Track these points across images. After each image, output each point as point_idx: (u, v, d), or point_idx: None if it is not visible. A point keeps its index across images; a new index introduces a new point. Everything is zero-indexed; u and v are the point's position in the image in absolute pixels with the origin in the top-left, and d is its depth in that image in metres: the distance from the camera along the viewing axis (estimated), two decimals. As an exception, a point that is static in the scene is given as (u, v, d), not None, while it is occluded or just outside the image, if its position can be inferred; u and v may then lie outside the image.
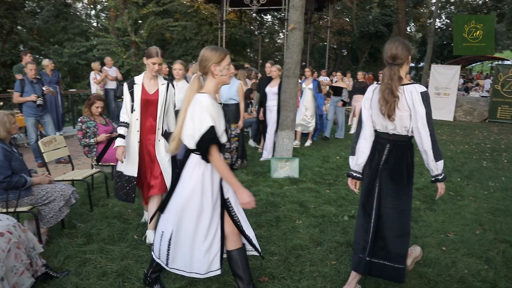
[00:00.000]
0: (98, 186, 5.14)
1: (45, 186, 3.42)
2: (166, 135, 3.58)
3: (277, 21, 26.38)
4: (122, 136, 3.46)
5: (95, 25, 21.62)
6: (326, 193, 5.01)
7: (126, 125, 3.49)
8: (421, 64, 27.26)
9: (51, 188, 3.43)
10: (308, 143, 8.13)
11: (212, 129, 2.24)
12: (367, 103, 2.65)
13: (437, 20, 25.68)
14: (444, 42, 28.99)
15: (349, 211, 4.35)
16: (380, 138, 2.62)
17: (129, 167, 3.51)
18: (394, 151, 2.57)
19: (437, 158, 2.49)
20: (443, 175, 2.55)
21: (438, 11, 24.23)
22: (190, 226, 2.38)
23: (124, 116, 3.52)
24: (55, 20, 18.49)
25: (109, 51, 14.41)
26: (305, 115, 7.87)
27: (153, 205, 3.51)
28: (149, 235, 3.42)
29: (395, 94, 2.44)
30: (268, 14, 25.09)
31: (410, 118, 2.47)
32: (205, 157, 2.32)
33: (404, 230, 2.60)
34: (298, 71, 6.05)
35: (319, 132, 8.60)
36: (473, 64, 30.49)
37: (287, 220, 4.08)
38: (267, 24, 26.28)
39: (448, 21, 30.88)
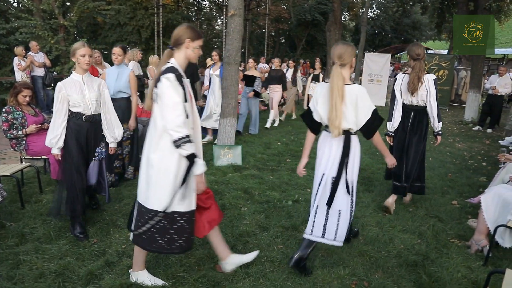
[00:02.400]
0: (29, 181, 4.78)
1: (-32, 184, 3.12)
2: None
3: (215, 7, 26.01)
4: (195, 156, 2.41)
5: (16, 6, 19.82)
6: (270, 179, 5.10)
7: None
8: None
9: (-25, 185, 3.13)
10: (207, 138, 7.10)
11: (377, 112, 2.81)
12: (398, 87, 4.01)
13: (369, 10, 26.86)
14: (376, 31, 30.51)
15: (292, 196, 4.47)
16: (407, 109, 4.01)
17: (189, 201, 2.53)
18: (417, 117, 3.99)
19: (439, 120, 3.95)
20: (441, 131, 4.06)
21: (370, 1, 25.33)
22: (349, 201, 2.85)
23: (185, 128, 2.36)
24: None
25: (34, 35, 13.30)
26: (212, 106, 7.03)
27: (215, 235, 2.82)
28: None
29: (421, 80, 3.81)
30: (206, 0, 24.65)
31: (426, 95, 3.86)
32: (370, 137, 2.84)
33: (422, 162, 4.20)
34: (239, 58, 6.03)
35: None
36: (402, 53, 32.46)
37: (232, 208, 4.10)
38: (205, 10, 25.79)
39: (379, 11, 32.46)
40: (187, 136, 2.32)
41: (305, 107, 10.93)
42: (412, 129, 4.02)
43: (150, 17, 17.91)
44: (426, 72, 3.87)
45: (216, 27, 28.41)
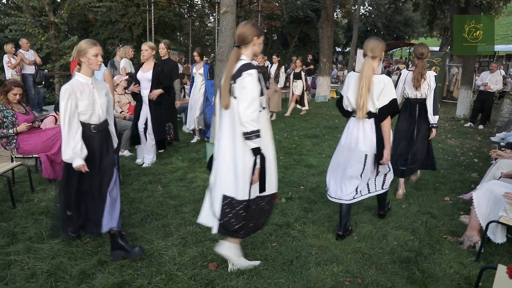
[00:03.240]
0: (21, 180, 4.73)
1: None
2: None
3: (207, 4, 25.87)
4: (260, 150, 2.56)
5: (5, 2, 19.55)
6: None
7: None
8: (348, 49, 28.52)
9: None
10: (195, 139, 6.98)
11: (395, 101, 3.23)
12: (402, 83, 4.43)
13: (361, 7, 26.91)
14: (368, 28, 30.57)
15: (286, 193, 4.47)
16: (411, 102, 4.41)
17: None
18: (423, 109, 4.37)
19: (435, 113, 4.31)
20: (436, 124, 4.37)
21: (362, -2, 25.40)
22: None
23: (258, 122, 2.52)
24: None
25: (24, 32, 13.13)
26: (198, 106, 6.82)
27: None
28: None
29: (424, 77, 4.22)
30: (198, -3, 24.50)
31: (427, 89, 4.28)
32: (382, 121, 3.23)
33: (431, 149, 4.66)
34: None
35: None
36: (393, 50, 32.57)
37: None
38: (197, 7, 25.64)
39: (371, 8, 32.52)
40: (258, 131, 2.50)
41: (290, 107, 10.52)
42: (420, 119, 4.41)
43: (141, 14, 17.75)
44: (435, 70, 4.38)
45: (209, 24, 28.28)
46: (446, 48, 20.98)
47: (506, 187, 3.33)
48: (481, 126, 9.96)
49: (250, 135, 2.48)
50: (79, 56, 2.88)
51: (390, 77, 20.18)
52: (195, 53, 6.86)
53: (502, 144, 6.02)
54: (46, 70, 12.64)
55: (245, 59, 2.61)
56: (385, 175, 3.53)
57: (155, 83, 5.18)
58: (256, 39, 2.63)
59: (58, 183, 3.16)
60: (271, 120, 9.08)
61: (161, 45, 5.87)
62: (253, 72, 2.50)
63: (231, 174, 2.63)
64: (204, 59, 7.04)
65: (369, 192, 3.49)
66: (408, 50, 27.60)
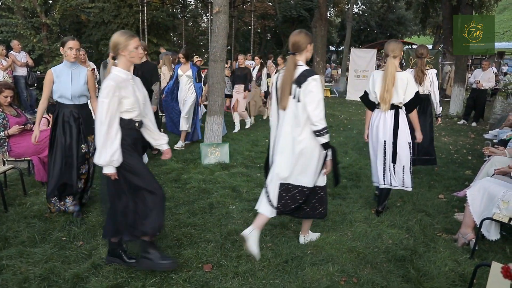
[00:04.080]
0: (13, 183, 4.68)
1: None
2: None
3: (200, 4, 25.80)
4: (329, 144, 2.90)
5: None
6: (258, 177, 5.08)
7: None
8: (341, 48, 28.56)
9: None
10: (180, 144, 6.58)
11: (418, 93, 3.73)
12: None
13: (354, 6, 26.97)
14: (361, 27, 30.65)
15: (281, 193, 4.46)
16: None
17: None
18: (423, 103, 4.97)
19: (439, 105, 5.08)
20: (441, 114, 5.14)
21: (355, -3, 25.48)
22: (408, 158, 3.87)
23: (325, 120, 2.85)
24: None
25: (16, 34, 13.01)
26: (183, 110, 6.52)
27: None
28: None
29: (424, 72, 4.80)
30: (191, -3, 24.42)
31: (430, 85, 4.89)
32: (411, 111, 3.76)
33: (432, 140, 5.28)
34: (225, 55, 5.98)
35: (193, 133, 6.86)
36: (387, 48, 32.58)
37: (220, 206, 4.08)
38: (190, 7, 25.57)
39: (364, 7, 32.60)
40: (327, 128, 2.82)
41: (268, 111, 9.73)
42: (422, 114, 4.95)
43: (134, 15, 17.66)
44: (428, 67, 4.93)
45: (202, 25, 28.21)
46: (439, 46, 21.07)
47: (500, 184, 3.35)
48: (474, 124, 10.02)
49: (321, 132, 2.79)
50: (118, 51, 2.65)
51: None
52: (180, 55, 6.60)
53: (495, 141, 6.05)
54: (38, 72, 12.53)
55: (302, 64, 2.87)
56: (403, 171, 3.85)
57: None
58: (309, 46, 2.92)
59: (104, 198, 2.84)
60: (253, 125, 8.76)
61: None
62: (317, 77, 2.79)
63: (291, 166, 2.91)
64: (197, 59, 7.00)
65: (392, 184, 3.85)
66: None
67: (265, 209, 3.04)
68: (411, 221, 3.82)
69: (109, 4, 17.30)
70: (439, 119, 5.22)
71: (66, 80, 3.62)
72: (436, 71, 4.94)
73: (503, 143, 5.29)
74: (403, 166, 3.80)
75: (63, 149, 3.65)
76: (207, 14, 22.34)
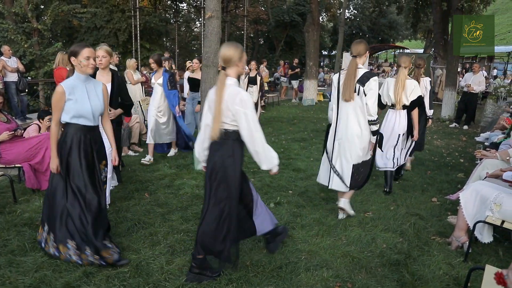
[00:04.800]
0: (3, 191, 4.60)
1: None
2: None
3: (193, 9, 25.84)
4: (378, 131, 3.75)
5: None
6: (251, 182, 5.05)
7: None
8: (334, 52, 28.72)
9: None
10: (173, 152, 6.37)
11: (421, 97, 4.73)
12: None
13: (346, 10, 27.15)
14: (353, 32, 30.85)
15: (274, 198, 4.45)
16: None
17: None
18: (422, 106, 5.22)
19: (430, 107, 5.54)
20: (432, 116, 5.64)
21: (347, 2, 25.61)
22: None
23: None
24: None
25: (7, 39, 12.92)
26: (157, 120, 5.94)
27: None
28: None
29: (419, 81, 5.14)
30: (183, 2, 24.43)
31: (424, 91, 5.26)
32: (412, 110, 4.69)
33: (423, 134, 5.74)
34: (217, 60, 5.98)
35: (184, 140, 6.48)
36: (379, 52, 32.91)
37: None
38: (183, 12, 25.58)
39: (356, 11, 32.86)
40: (378, 118, 3.63)
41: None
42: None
43: (127, 20, 17.65)
44: (423, 76, 5.44)
45: (195, 29, 28.23)
46: (430, 50, 21.29)
47: (492, 186, 3.36)
48: (465, 127, 10.10)
49: (374, 122, 3.61)
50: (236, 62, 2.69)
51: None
52: (151, 60, 5.97)
53: (486, 144, 6.10)
54: (29, 78, 12.44)
55: (361, 67, 3.60)
56: (407, 151, 5.01)
57: (115, 99, 4.26)
58: (367, 53, 3.71)
59: (222, 207, 2.76)
60: None
61: (100, 53, 4.18)
62: (376, 78, 3.55)
63: (358, 147, 3.67)
64: (190, 64, 6.91)
65: (399, 163, 4.87)
66: (393, 52, 27.94)
67: (340, 186, 3.77)
68: (405, 224, 3.83)
69: (101, 9, 17.28)
70: (430, 120, 5.70)
71: (82, 96, 2.98)
72: (430, 79, 5.51)
73: (495, 146, 5.33)
74: (408, 147, 4.99)
75: (83, 191, 2.99)
76: (200, 19, 22.35)
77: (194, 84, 6.99)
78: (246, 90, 8.46)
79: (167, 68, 6.75)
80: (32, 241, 3.31)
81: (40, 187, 4.54)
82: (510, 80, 16.17)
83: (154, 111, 5.93)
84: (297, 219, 3.90)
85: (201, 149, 2.89)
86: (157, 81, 5.92)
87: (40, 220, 3.29)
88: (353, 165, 3.70)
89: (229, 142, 2.69)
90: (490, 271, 2.33)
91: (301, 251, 3.26)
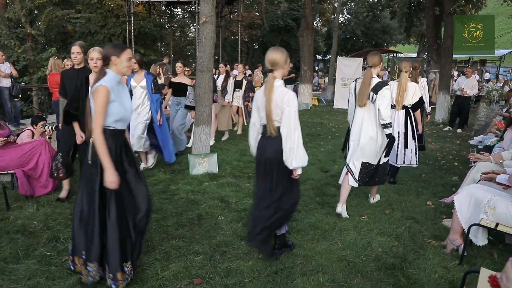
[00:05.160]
0: (-5, 197, 4.56)
1: None
2: None
3: (187, 15, 25.89)
4: (391, 134, 4.00)
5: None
6: (246, 187, 5.05)
7: None
8: (328, 56, 28.85)
9: None
10: (150, 162, 5.94)
11: (422, 98, 5.27)
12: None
13: (340, 15, 27.33)
14: (347, 36, 31.04)
15: (270, 203, 4.43)
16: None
17: None
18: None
19: (429, 105, 6.08)
20: (430, 112, 6.18)
21: (341, 7, 25.79)
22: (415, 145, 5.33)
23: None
24: None
25: (0, 44, 12.86)
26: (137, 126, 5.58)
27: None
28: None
29: (417, 81, 5.51)
30: (178, 7, 24.48)
31: (422, 90, 5.48)
32: (416, 110, 5.22)
33: (422, 128, 5.73)
34: (212, 65, 5.97)
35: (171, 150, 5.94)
36: (373, 57, 33.07)
37: (209, 217, 4.03)
38: (177, 18, 25.62)
39: (350, 16, 33.07)
40: (391, 122, 3.93)
41: (238, 123, 8.95)
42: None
43: (121, 25, 17.64)
44: (420, 76, 5.79)
45: (190, 34, 28.28)
46: (423, 55, 21.45)
47: (486, 189, 3.38)
48: (459, 130, 10.17)
49: (387, 125, 3.89)
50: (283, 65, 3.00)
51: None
52: (133, 60, 5.25)
53: (480, 147, 6.14)
54: (23, 83, 12.37)
55: (375, 77, 3.94)
56: (411, 154, 5.20)
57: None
58: (381, 64, 4.04)
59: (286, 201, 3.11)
60: (223, 140, 8.03)
61: (95, 55, 4.07)
62: (388, 86, 3.88)
63: (370, 148, 3.99)
64: (185, 69, 6.83)
65: (404, 163, 5.22)
66: (387, 57, 28.14)
67: (352, 181, 4.09)
68: (400, 228, 3.83)
69: (95, 15, 17.26)
70: (429, 116, 6.23)
71: (122, 98, 2.78)
72: (426, 79, 5.97)
73: (488, 149, 5.37)
74: (411, 149, 5.16)
75: (131, 202, 2.82)
76: (194, 24, 22.38)
77: (178, 89, 6.63)
78: (233, 95, 8.33)
79: (162, 74, 6.56)
80: (25, 248, 3.27)
81: (34, 194, 4.50)
82: (502, 83, 16.30)
83: (135, 115, 5.48)
84: (292, 223, 3.89)
85: (253, 145, 3.25)
86: (139, 83, 5.53)
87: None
88: (362, 162, 4.05)
89: (280, 138, 2.99)
90: (485, 274, 2.34)
91: (296, 256, 3.25)
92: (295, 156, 2.92)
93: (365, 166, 4.06)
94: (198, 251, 3.29)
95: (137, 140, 5.55)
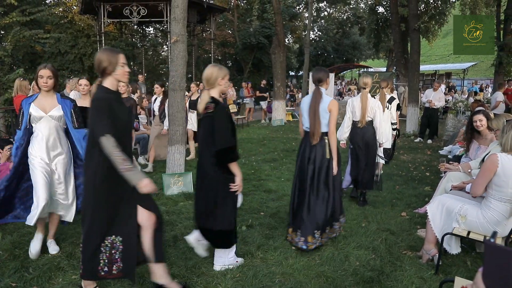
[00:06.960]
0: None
1: None
2: None
3: (160, 33, 25.86)
4: None
5: None
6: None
7: None
8: (300, 72, 29.33)
9: None
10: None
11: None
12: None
13: (311, 32, 27.94)
14: (319, 52, 31.69)
15: (246, 221, 4.39)
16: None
17: None
18: None
19: (401, 117, 8.14)
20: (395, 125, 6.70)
21: (312, 25, 26.38)
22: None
23: None
24: None
25: (-36, 66, 12.44)
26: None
27: None
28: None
29: (384, 99, 5.91)
30: (150, 26, 24.43)
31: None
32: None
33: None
34: (184, 84, 5.95)
35: None
36: (344, 72, 33.89)
37: (185, 239, 3.93)
38: (150, 36, 25.55)
39: (320, 33, 33.87)
40: (396, 123, 5.08)
41: (191, 147, 7.91)
42: None
43: (92, 45, 17.40)
44: (390, 94, 6.27)
45: (162, 53, 28.19)
46: (392, 69, 22.11)
47: (456, 199, 3.46)
48: (429, 141, 10.46)
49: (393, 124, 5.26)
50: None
51: (342, 97, 20.99)
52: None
53: (449, 156, 6.31)
54: (-11, 105, 11.96)
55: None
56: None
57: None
58: (387, 87, 5.64)
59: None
60: (187, 159, 7.11)
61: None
62: (397, 100, 5.14)
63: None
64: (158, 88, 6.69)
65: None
66: (358, 71, 28.84)
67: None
68: (377, 241, 3.86)
69: (65, 35, 16.98)
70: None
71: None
72: (392, 95, 6.41)
73: (457, 158, 5.52)
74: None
75: None
76: (167, 43, 22.36)
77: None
78: (186, 116, 7.06)
79: (130, 93, 6.15)
80: (-11, 280, 3.10)
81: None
82: (467, 95, 16.99)
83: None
84: (269, 241, 3.86)
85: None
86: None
87: None
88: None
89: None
90: (459, 283, 2.37)
91: (275, 273, 3.21)
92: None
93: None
94: (174, 274, 3.19)
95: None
